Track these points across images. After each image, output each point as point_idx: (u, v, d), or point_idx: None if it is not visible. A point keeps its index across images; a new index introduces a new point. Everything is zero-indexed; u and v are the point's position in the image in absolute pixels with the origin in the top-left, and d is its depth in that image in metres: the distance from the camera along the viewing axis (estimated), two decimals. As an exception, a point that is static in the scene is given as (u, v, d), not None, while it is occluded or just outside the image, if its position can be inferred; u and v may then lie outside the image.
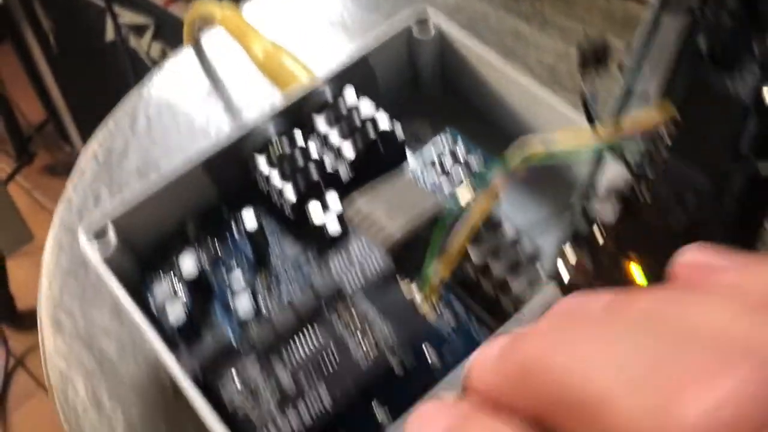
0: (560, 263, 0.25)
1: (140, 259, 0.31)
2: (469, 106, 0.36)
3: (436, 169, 0.31)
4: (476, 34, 0.42)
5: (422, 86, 0.37)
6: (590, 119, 0.24)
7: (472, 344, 0.28)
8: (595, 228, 0.25)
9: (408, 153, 0.33)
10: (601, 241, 0.25)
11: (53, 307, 0.35)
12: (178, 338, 0.28)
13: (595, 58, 0.23)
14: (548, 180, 0.33)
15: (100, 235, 0.29)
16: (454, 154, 0.31)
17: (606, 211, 0.25)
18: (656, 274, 0.27)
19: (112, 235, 0.29)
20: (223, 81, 0.43)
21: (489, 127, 0.36)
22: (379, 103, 0.33)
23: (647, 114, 0.24)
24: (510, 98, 0.33)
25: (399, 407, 0.26)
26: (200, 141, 0.40)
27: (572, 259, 0.25)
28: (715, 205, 0.28)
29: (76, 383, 0.33)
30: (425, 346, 0.28)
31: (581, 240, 0.25)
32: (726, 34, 0.28)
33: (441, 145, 0.31)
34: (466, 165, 0.31)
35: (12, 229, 1.10)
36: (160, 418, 0.32)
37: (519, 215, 0.32)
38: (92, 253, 0.28)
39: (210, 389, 0.26)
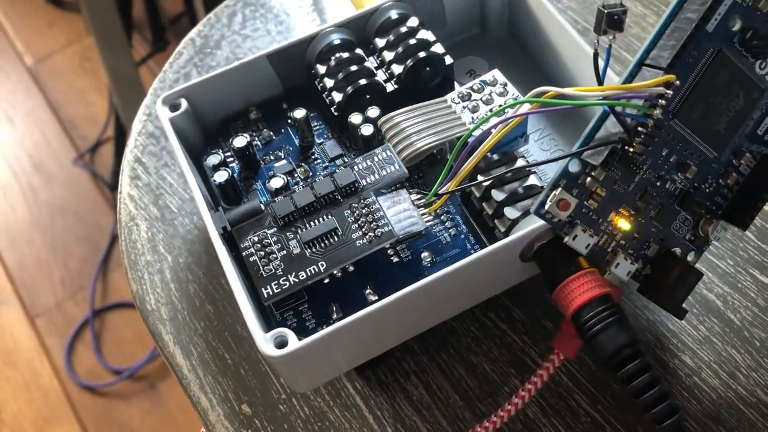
0: (548, 198, 0.28)
1: (207, 131, 0.36)
2: (528, 53, 0.39)
3: (473, 101, 0.34)
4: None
5: (489, 26, 0.40)
6: (598, 76, 0.26)
7: (464, 253, 0.32)
8: (585, 171, 0.28)
9: (456, 84, 0.36)
10: (587, 182, 0.28)
11: (134, 161, 0.41)
12: (219, 197, 0.33)
13: (611, 19, 0.26)
14: (575, 129, 0.36)
15: (174, 106, 0.34)
16: (492, 92, 0.34)
17: (595, 157, 0.28)
18: (643, 227, 0.29)
19: (183, 107, 0.34)
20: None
21: (539, 75, 0.38)
22: (441, 35, 0.36)
23: (651, 81, 0.26)
24: (562, 50, 0.36)
25: (389, 291, 0.30)
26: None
27: (558, 195, 0.28)
28: (717, 176, 0.30)
29: (141, 226, 0.39)
30: (422, 244, 0.32)
31: (572, 180, 0.28)
32: (764, 19, 0.29)
33: (485, 82, 0.34)
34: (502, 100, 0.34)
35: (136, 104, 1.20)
36: (200, 267, 0.37)
37: (542, 155, 0.35)
38: (164, 119, 0.34)
39: (234, 243, 0.31)
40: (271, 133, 0.36)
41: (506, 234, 0.31)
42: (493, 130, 0.30)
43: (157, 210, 0.39)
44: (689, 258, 0.31)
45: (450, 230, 0.32)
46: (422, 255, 0.32)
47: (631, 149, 0.27)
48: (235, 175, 0.34)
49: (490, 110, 0.33)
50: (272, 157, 0.35)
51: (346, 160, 0.34)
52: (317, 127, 0.36)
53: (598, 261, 0.30)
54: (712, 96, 0.29)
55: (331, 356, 0.29)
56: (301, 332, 0.30)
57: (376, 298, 0.30)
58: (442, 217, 0.33)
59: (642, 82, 0.26)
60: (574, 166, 0.28)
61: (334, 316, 0.30)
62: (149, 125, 0.42)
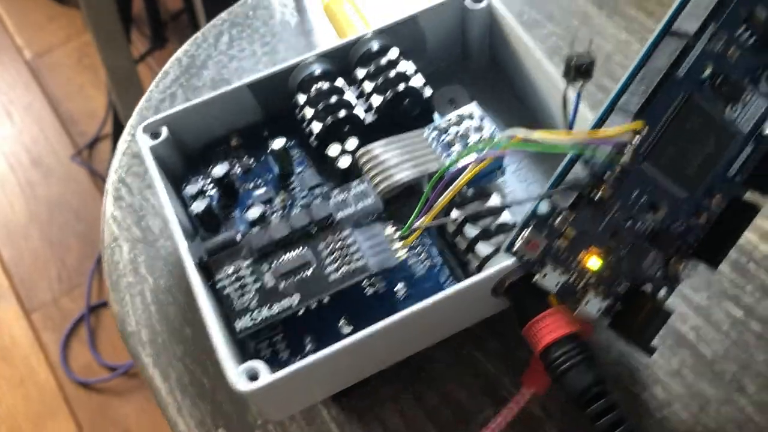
0: (518, 238, 0.29)
1: (188, 157, 0.36)
2: (509, 82, 0.39)
3: (450, 134, 0.34)
4: (544, 9, 0.45)
5: (470, 55, 0.40)
6: (567, 123, 0.27)
7: (438, 286, 0.32)
8: (554, 212, 0.29)
9: (436, 116, 0.37)
10: (556, 223, 0.29)
11: (118, 181, 0.41)
12: (198, 227, 0.34)
13: (579, 70, 0.26)
14: (553, 161, 0.36)
15: (154, 132, 0.35)
16: (469, 126, 0.34)
17: (564, 199, 0.28)
18: (614, 265, 0.30)
19: (163, 134, 0.35)
20: (311, 21, 0.47)
21: (519, 105, 0.39)
22: (422, 63, 0.36)
23: (619, 129, 0.26)
24: (538, 83, 0.36)
25: (363, 323, 0.31)
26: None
27: (527, 236, 0.28)
28: (688, 216, 0.31)
29: (123, 247, 0.39)
30: (397, 276, 0.32)
31: (541, 221, 0.29)
32: (735, 64, 0.29)
33: (462, 116, 0.35)
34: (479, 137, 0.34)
35: (134, 101, 1.20)
36: (180, 290, 0.38)
37: (521, 193, 0.36)
38: (144, 147, 0.34)
39: (210, 274, 0.31)
40: (252, 160, 0.36)
41: (479, 269, 0.31)
42: (467, 167, 0.30)
43: (139, 231, 0.40)
44: (660, 295, 0.31)
45: (425, 262, 0.33)
46: (397, 287, 0.32)
47: (599, 194, 0.28)
48: (214, 203, 0.35)
49: (466, 144, 0.33)
50: (252, 185, 0.35)
51: (325, 190, 0.35)
52: (297, 156, 0.36)
53: (568, 298, 0.30)
54: (683, 139, 0.29)
55: (303, 388, 0.30)
56: (275, 363, 0.30)
57: (351, 329, 0.31)
58: (417, 249, 0.33)
59: (610, 130, 0.26)
60: (543, 207, 0.29)
61: (308, 347, 0.31)
62: (133, 145, 0.42)
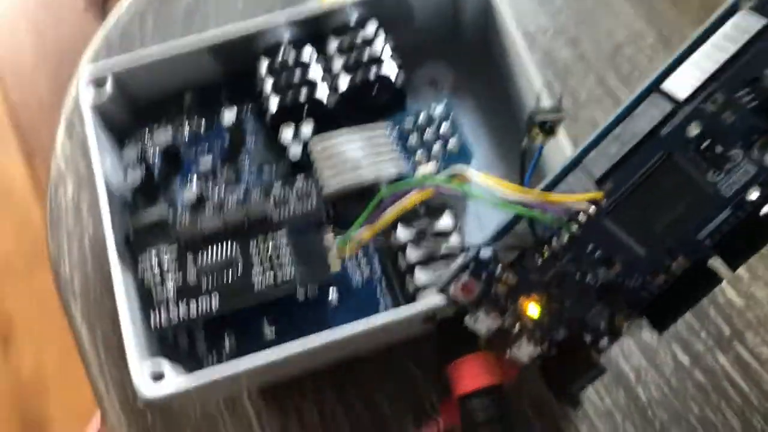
0: (452, 281, 0.27)
1: (136, 111, 0.34)
2: (496, 70, 0.36)
3: (417, 135, 0.31)
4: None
5: (461, 38, 0.36)
6: (522, 177, 0.24)
7: (372, 299, 0.31)
8: (495, 262, 0.26)
9: (409, 101, 0.33)
10: (497, 270, 0.27)
11: (71, 112, 0.39)
12: (133, 198, 0.32)
13: (542, 128, 0.23)
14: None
15: (99, 83, 0.32)
16: (438, 129, 0.31)
17: (505, 254, 0.26)
18: (554, 313, 0.28)
19: (108, 86, 0.32)
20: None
21: (503, 97, 0.35)
22: (407, 35, 0.33)
23: (574, 197, 0.24)
24: (520, 84, 0.33)
25: (289, 328, 0.30)
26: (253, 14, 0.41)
27: (463, 280, 0.26)
28: (644, 274, 0.28)
29: (68, 185, 0.38)
30: (330, 283, 0.30)
31: (481, 266, 0.27)
32: (728, 127, 0.26)
33: (433, 114, 0.32)
34: (443, 146, 0.31)
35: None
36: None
37: (481, 212, 0.33)
38: (85, 98, 0.31)
39: (133, 254, 0.30)
40: (203, 122, 0.34)
41: (413, 294, 0.29)
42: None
43: (87, 171, 0.38)
44: (601, 344, 0.30)
45: (364, 272, 0.31)
46: (330, 294, 0.31)
47: (541, 258, 0.25)
48: (156, 170, 0.32)
49: (429, 151, 0.31)
50: (198, 152, 0.33)
51: (274, 168, 0.32)
52: (251, 125, 0.34)
53: (499, 341, 0.28)
54: (653, 198, 0.26)
55: (214, 389, 0.29)
56: (192, 359, 0.30)
57: (274, 336, 0.30)
58: (358, 256, 0.31)
59: (564, 196, 0.24)
60: (485, 253, 0.27)
61: (227, 348, 0.30)
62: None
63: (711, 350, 0.34)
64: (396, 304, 0.30)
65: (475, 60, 0.36)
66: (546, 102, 0.25)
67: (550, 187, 0.25)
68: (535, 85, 0.30)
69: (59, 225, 0.37)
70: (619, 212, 0.26)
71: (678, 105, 0.24)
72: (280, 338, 0.30)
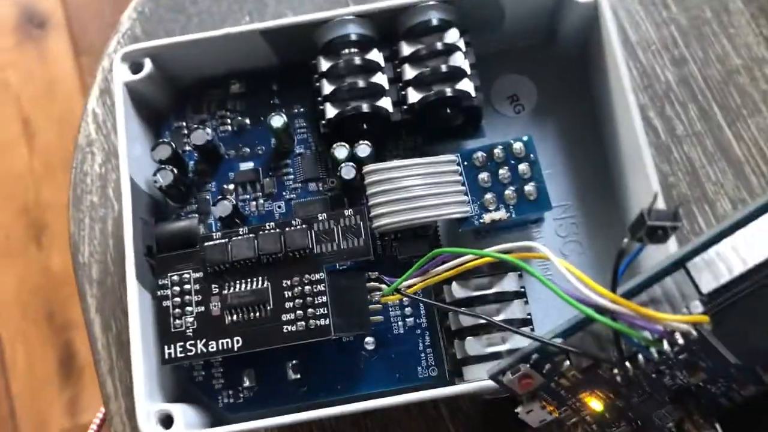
0: (510, 369, 0.23)
1: (176, 93, 0.30)
2: (590, 90, 0.31)
3: (489, 174, 0.27)
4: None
5: (555, 44, 0.31)
6: (613, 280, 0.20)
7: (413, 352, 0.27)
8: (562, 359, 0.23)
9: (483, 125, 0.29)
10: (564, 366, 0.23)
11: (107, 73, 0.35)
12: (163, 196, 0.28)
13: (655, 231, 0.19)
14: (608, 215, 0.29)
15: (135, 65, 0.28)
16: (515, 168, 0.27)
17: (578, 360, 0.22)
18: (617, 408, 0.24)
19: (147, 69, 0.28)
20: None
21: (593, 124, 0.31)
22: (493, 39, 0.28)
23: (676, 318, 0.19)
24: (617, 112, 0.28)
25: (315, 373, 0.27)
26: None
27: (522, 372, 0.23)
28: (731, 381, 0.25)
29: (96, 155, 0.34)
30: (367, 335, 0.27)
31: (545, 358, 0.23)
32: None
33: (510, 151, 0.27)
34: (518, 190, 0.27)
35: None
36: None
37: (554, 242, 0.29)
38: (118, 81, 0.28)
39: (154, 270, 0.26)
40: (248, 120, 0.30)
41: (459, 362, 0.26)
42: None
43: (114, 146, 0.34)
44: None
45: (407, 320, 0.27)
46: (365, 339, 0.27)
47: (618, 377, 0.21)
48: (191, 166, 0.29)
49: (501, 194, 0.26)
50: (240, 153, 0.29)
51: (320, 188, 0.29)
52: (301, 131, 0.29)
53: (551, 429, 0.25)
54: (758, 313, 0.22)
55: None
56: (207, 391, 0.27)
57: (298, 376, 0.27)
58: (402, 302, 0.28)
59: (663, 315, 0.20)
60: (552, 347, 0.23)
61: (246, 384, 0.27)
62: (137, 27, 0.36)
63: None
64: (438, 362, 0.27)
65: (565, 80, 0.31)
66: (661, 203, 0.20)
67: (643, 288, 0.21)
68: (650, 177, 0.25)
69: (81, 202, 0.33)
70: (719, 325, 0.22)
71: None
72: (304, 380, 0.27)
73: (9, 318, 0.79)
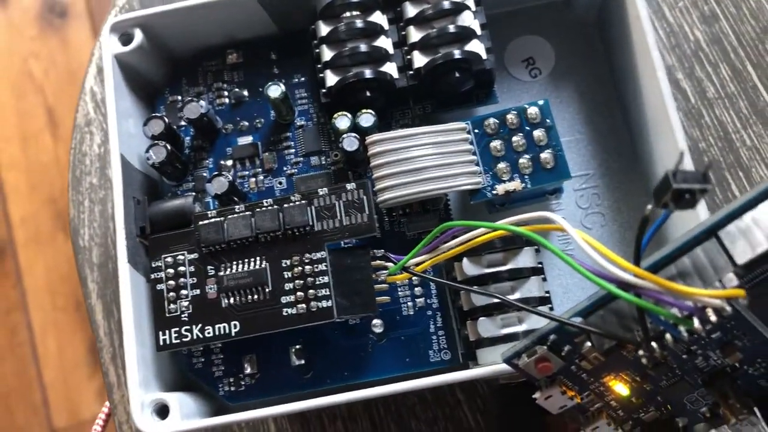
0: (526, 352, 0.21)
1: (171, 65, 0.28)
2: (608, 51, 0.29)
3: (503, 141, 0.25)
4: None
5: (571, 9, 0.29)
6: (637, 250, 0.18)
7: (423, 334, 0.25)
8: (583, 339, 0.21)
9: (495, 91, 0.27)
10: (584, 347, 0.21)
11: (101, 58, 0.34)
12: (159, 173, 0.27)
13: (682, 194, 0.17)
14: (631, 185, 0.27)
15: (125, 37, 0.26)
16: (531, 135, 0.25)
17: (600, 341, 0.20)
18: (645, 392, 0.23)
19: (137, 40, 0.26)
20: None
21: (610, 87, 0.28)
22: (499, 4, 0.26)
23: (708, 293, 0.17)
24: (642, 82, 0.26)
25: (320, 358, 0.25)
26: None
27: (539, 354, 0.21)
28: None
29: (95, 135, 0.33)
30: (374, 317, 0.25)
31: (565, 339, 0.21)
32: None
33: (525, 117, 0.25)
34: (534, 158, 0.25)
35: None
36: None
37: (575, 214, 0.27)
38: (107, 54, 0.26)
39: (148, 251, 0.25)
40: (246, 92, 0.28)
41: (473, 344, 0.24)
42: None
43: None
44: (697, 430, 0.24)
45: (417, 300, 0.26)
46: (372, 322, 0.25)
47: (644, 359, 0.19)
48: (186, 142, 0.27)
49: (515, 163, 0.24)
50: (237, 127, 0.28)
51: (323, 162, 0.27)
52: (302, 101, 0.28)
53: (573, 415, 0.23)
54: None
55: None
56: (206, 379, 0.25)
57: (302, 362, 0.25)
58: (413, 281, 0.26)
59: (693, 289, 0.18)
60: (571, 327, 0.21)
61: (247, 371, 0.25)
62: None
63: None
64: (451, 345, 0.25)
65: (583, 42, 0.29)
66: (689, 163, 0.18)
67: (670, 260, 0.19)
68: (676, 135, 0.23)
69: (81, 183, 0.32)
70: (757, 299, 0.20)
71: None
72: (308, 365, 0.25)
73: (39, 307, 0.79)
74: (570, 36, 0.29)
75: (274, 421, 0.29)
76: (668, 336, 0.19)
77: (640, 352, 0.20)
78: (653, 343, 0.19)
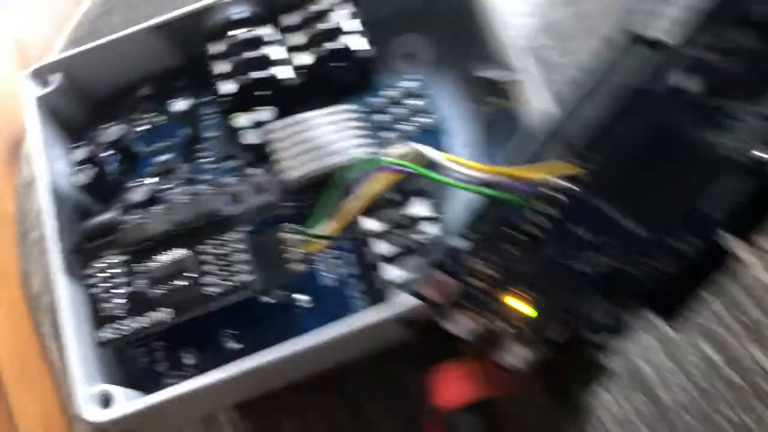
0: (422, 278, 0.23)
1: (93, 112, 0.31)
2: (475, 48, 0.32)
3: (386, 113, 0.28)
4: None
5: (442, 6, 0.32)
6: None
7: (346, 302, 0.27)
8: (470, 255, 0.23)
9: (384, 78, 0.30)
10: (475, 266, 0.23)
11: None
12: (87, 201, 0.29)
13: (494, 91, 0.19)
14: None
15: (43, 76, 0.29)
16: (413, 107, 0.28)
17: (480, 247, 0.22)
18: (544, 307, 0.24)
19: (56, 81, 0.29)
20: None
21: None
22: (377, 11, 0.29)
23: (543, 171, 0.20)
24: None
25: (253, 338, 0.27)
26: None
27: (436, 278, 0.23)
28: (647, 257, 0.24)
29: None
30: (298, 283, 0.27)
31: (453, 258, 0.23)
32: (733, 74, 0.22)
33: (406, 90, 0.28)
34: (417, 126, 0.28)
35: None
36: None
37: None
38: (30, 97, 0.29)
39: (81, 261, 0.27)
40: (163, 117, 0.31)
41: (382, 292, 0.26)
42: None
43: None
44: (600, 340, 0.26)
45: (339, 270, 0.28)
46: (297, 297, 0.27)
47: (519, 248, 0.22)
48: (113, 167, 0.30)
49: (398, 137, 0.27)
50: (153, 149, 0.30)
51: (235, 164, 0.29)
52: (211, 116, 0.31)
53: (487, 345, 0.25)
54: (648, 168, 0.22)
55: (174, 412, 0.26)
56: (151, 375, 0.27)
57: (238, 346, 0.27)
58: (334, 252, 0.28)
59: (528, 169, 0.20)
60: (459, 243, 0.23)
61: (187, 362, 0.27)
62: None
63: (741, 341, 0.29)
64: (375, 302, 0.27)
65: (457, 31, 0.32)
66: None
67: (526, 163, 0.21)
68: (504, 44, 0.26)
69: (26, 237, 0.34)
70: (608, 187, 0.22)
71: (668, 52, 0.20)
72: (247, 349, 0.27)
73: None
74: (445, 28, 0.32)
75: (226, 415, 0.30)
76: (532, 227, 0.21)
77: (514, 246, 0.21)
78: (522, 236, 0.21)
